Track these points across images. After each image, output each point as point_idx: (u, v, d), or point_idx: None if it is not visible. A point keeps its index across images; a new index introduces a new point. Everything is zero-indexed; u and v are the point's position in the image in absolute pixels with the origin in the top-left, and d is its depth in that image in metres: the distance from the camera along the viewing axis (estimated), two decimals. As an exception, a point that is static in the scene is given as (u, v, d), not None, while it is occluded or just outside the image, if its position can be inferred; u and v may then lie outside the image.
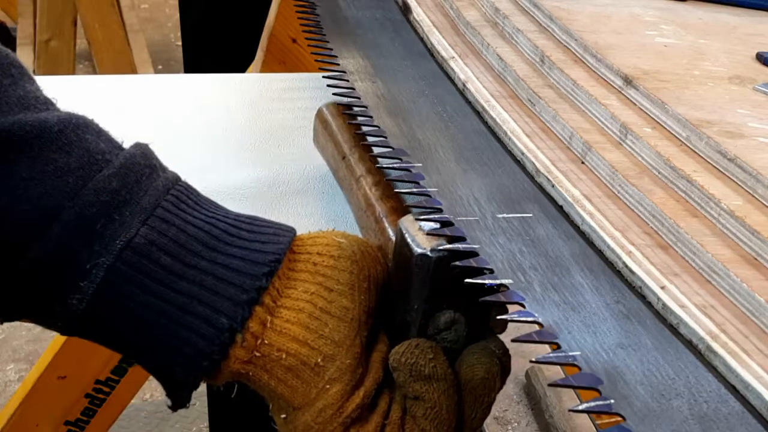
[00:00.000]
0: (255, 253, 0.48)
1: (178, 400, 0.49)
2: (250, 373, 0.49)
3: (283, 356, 0.48)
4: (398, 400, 0.50)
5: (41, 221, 0.45)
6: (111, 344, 0.48)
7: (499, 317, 0.48)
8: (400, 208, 0.55)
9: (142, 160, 0.48)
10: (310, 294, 0.49)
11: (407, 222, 0.50)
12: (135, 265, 0.46)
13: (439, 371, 0.49)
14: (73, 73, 2.92)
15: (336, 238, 0.51)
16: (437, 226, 0.50)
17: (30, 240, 0.45)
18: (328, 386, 0.48)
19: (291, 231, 0.51)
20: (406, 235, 0.49)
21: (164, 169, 0.50)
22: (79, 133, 0.47)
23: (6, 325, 2.26)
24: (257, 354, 0.48)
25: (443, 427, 0.49)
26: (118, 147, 0.49)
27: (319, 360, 0.48)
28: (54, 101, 0.49)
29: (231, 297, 0.47)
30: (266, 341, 0.48)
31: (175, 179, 0.50)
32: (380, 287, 0.51)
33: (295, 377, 0.49)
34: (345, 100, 0.67)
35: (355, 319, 0.49)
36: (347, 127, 0.65)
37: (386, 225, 0.54)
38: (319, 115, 0.70)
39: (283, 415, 0.50)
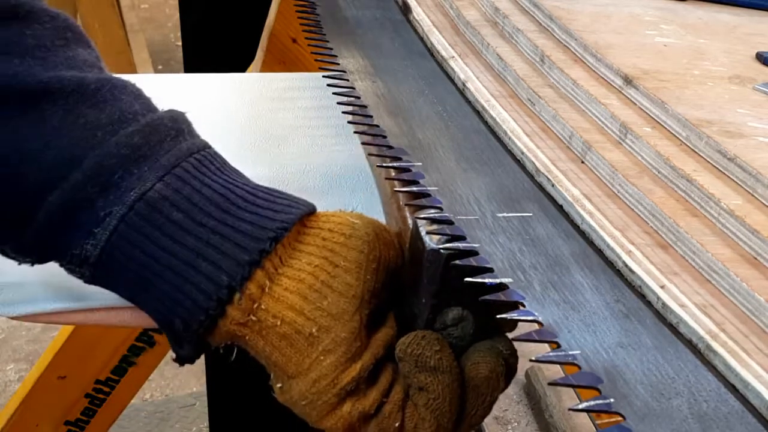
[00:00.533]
0: (265, 220, 0.49)
1: (181, 355, 0.51)
2: (247, 337, 0.50)
3: (278, 323, 0.49)
4: (402, 383, 0.51)
5: (64, 168, 0.47)
6: (121, 292, 0.50)
7: (501, 316, 0.48)
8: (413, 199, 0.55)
9: (170, 122, 0.50)
10: (313, 266, 0.50)
11: (422, 217, 0.50)
12: (146, 217, 0.48)
13: (445, 363, 0.49)
14: (73, 73, 2.92)
15: (351, 219, 0.52)
16: (435, 214, 0.50)
17: (52, 184, 0.47)
18: (322, 357, 0.49)
19: (308, 206, 0.52)
20: (421, 230, 0.49)
21: (194, 135, 0.52)
22: (116, 93, 0.50)
23: (6, 324, 2.27)
24: (253, 318, 0.49)
25: (443, 419, 0.50)
26: (152, 110, 0.51)
27: (313, 330, 0.49)
28: (102, 68, 0.52)
29: (233, 256, 0.48)
30: (263, 306, 0.49)
31: (203, 146, 0.51)
32: (392, 271, 0.52)
33: (289, 345, 0.49)
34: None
35: (357, 296, 0.50)
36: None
37: (407, 214, 0.54)
38: None
39: (279, 385, 0.51)
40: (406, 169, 0.56)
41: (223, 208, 0.49)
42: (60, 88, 0.48)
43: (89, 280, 0.50)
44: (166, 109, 0.52)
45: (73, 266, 0.50)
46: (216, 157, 0.52)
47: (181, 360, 0.51)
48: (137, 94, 0.51)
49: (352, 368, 0.49)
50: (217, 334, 0.50)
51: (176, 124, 0.51)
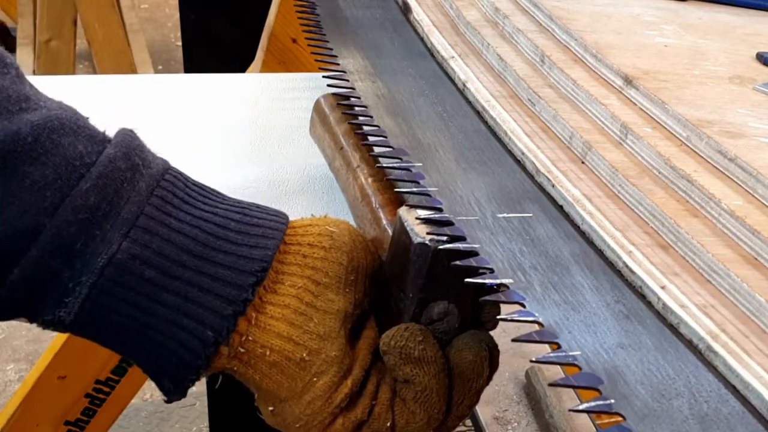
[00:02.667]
0: (242, 260, 0.47)
1: (172, 399, 0.50)
2: (235, 368, 0.49)
3: (267, 352, 0.48)
4: (388, 382, 0.50)
5: (21, 242, 0.44)
6: (106, 346, 0.49)
7: (491, 315, 0.48)
8: (396, 200, 0.55)
9: (123, 162, 0.46)
10: (296, 288, 0.49)
11: (406, 211, 0.50)
12: (118, 280, 0.45)
13: (429, 354, 0.49)
14: (73, 73, 2.92)
15: (328, 228, 0.51)
16: (431, 213, 0.50)
17: (12, 261, 0.44)
18: (315, 379, 0.49)
19: (280, 229, 0.50)
20: (406, 224, 0.49)
21: (148, 164, 0.48)
22: (55, 138, 0.45)
23: (6, 324, 2.27)
24: (241, 350, 0.48)
25: (433, 410, 0.49)
26: (100, 143, 0.47)
27: (304, 355, 0.48)
28: (27, 96, 0.46)
29: (216, 309, 0.47)
30: (250, 338, 0.48)
31: (161, 174, 0.48)
32: (370, 277, 0.51)
33: (280, 372, 0.49)
34: (344, 94, 0.67)
35: (340, 311, 0.49)
36: (345, 119, 0.65)
37: (382, 216, 0.54)
38: (317, 106, 0.69)
39: (271, 408, 0.51)
40: (406, 169, 0.56)
41: (195, 253, 0.46)
42: None
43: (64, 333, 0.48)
44: (111, 133, 0.48)
45: (46, 327, 0.47)
46: (177, 182, 0.48)
47: (172, 401, 0.50)
48: (76, 129, 0.46)
49: (344, 385, 0.49)
50: (206, 372, 0.49)
51: (129, 161, 0.46)
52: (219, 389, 1.66)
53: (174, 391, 0.49)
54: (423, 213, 0.50)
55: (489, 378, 0.52)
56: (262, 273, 0.48)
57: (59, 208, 0.44)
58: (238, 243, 0.48)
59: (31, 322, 0.48)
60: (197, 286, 0.46)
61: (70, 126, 0.46)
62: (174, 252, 0.46)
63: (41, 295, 0.45)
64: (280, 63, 1.16)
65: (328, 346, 0.49)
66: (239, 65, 1.24)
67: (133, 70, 2.82)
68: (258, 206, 0.51)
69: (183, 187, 0.49)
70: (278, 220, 0.50)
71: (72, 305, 0.45)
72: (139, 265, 0.45)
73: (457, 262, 0.47)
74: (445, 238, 0.48)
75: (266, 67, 1.17)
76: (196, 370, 0.47)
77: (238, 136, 0.80)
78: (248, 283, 0.47)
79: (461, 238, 0.49)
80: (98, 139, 0.47)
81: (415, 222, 0.49)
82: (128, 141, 0.48)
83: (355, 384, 0.49)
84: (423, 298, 0.50)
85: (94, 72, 3.04)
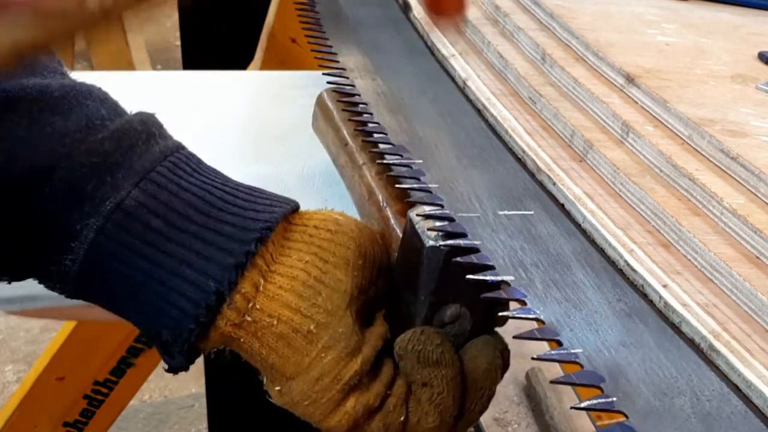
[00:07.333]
0: (247, 221, 0.48)
1: (172, 364, 0.49)
2: (242, 339, 0.49)
3: (275, 323, 0.48)
4: (403, 378, 0.50)
5: (34, 181, 0.46)
6: (106, 305, 0.49)
7: (503, 314, 0.48)
8: (403, 197, 0.55)
9: (140, 126, 0.49)
10: (304, 263, 0.49)
11: (417, 214, 0.50)
12: (124, 226, 0.46)
13: (447, 357, 0.49)
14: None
15: (334, 215, 0.51)
16: (436, 209, 0.50)
17: (23, 200, 0.46)
18: (322, 354, 0.48)
19: (290, 203, 0.51)
20: (417, 227, 0.49)
21: (166, 137, 0.50)
22: (81, 99, 0.48)
23: (4, 325, 2.26)
24: (248, 318, 0.48)
25: (446, 414, 0.49)
26: (120, 114, 0.50)
27: (311, 327, 0.48)
28: (64, 72, 0.50)
29: (219, 261, 0.47)
30: (258, 306, 0.48)
31: (177, 147, 0.50)
32: (377, 268, 0.51)
33: (287, 345, 0.48)
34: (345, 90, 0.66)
35: (347, 292, 0.49)
36: (347, 115, 0.65)
37: (389, 214, 0.54)
38: (320, 101, 0.69)
39: (278, 387, 0.50)
40: (407, 166, 0.56)
41: (203, 211, 0.48)
42: (23, 97, 0.46)
43: (71, 296, 0.49)
44: (134, 111, 0.51)
45: (52, 283, 0.48)
46: (191, 157, 0.50)
47: (173, 370, 0.50)
48: (103, 99, 0.50)
49: (353, 362, 0.48)
50: (210, 339, 0.49)
51: (146, 127, 0.49)
52: (218, 391, 1.64)
53: (172, 347, 0.48)
54: (428, 209, 0.50)
55: (500, 379, 0.52)
56: (266, 231, 0.48)
57: (75, 152, 0.46)
58: (245, 207, 0.49)
59: (39, 280, 0.49)
60: (201, 239, 0.47)
61: (98, 95, 0.49)
62: (181, 206, 0.48)
63: (50, 238, 0.46)
64: (279, 63, 1.16)
65: (336, 322, 0.48)
66: (238, 65, 1.24)
67: (131, 70, 2.81)
68: (266, 191, 0.52)
69: (197, 161, 0.51)
70: (287, 200, 0.51)
71: (78, 251, 0.46)
72: (146, 213, 0.47)
73: (458, 259, 0.47)
74: (461, 243, 0.48)
75: (265, 67, 1.17)
76: (196, 319, 0.47)
77: (237, 134, 0.80)
78: (251, 238, 0.48)
79: (462, 235, 0.48)
80: (121, 110, 0.50)
81: (426, 224, 0.49)
82: (149, 116, 0.50)
83: (365, 362, 0.49)
84: (435, 301, 0.49)
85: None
